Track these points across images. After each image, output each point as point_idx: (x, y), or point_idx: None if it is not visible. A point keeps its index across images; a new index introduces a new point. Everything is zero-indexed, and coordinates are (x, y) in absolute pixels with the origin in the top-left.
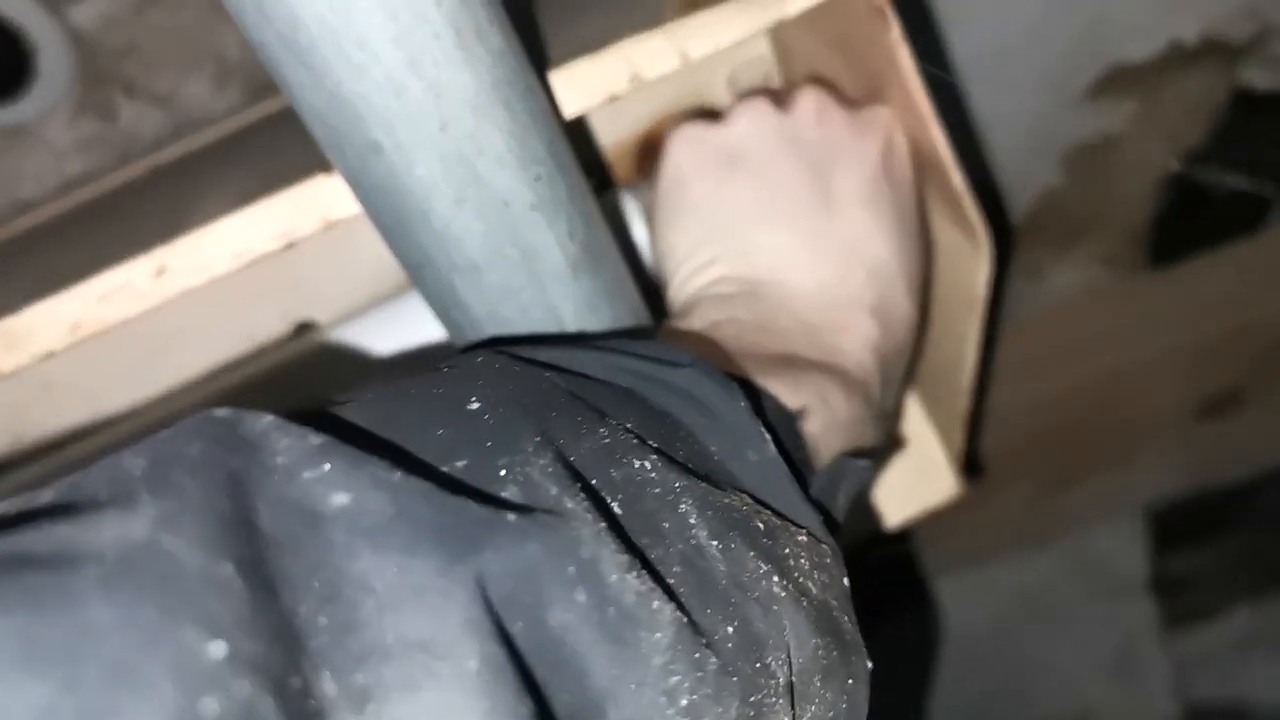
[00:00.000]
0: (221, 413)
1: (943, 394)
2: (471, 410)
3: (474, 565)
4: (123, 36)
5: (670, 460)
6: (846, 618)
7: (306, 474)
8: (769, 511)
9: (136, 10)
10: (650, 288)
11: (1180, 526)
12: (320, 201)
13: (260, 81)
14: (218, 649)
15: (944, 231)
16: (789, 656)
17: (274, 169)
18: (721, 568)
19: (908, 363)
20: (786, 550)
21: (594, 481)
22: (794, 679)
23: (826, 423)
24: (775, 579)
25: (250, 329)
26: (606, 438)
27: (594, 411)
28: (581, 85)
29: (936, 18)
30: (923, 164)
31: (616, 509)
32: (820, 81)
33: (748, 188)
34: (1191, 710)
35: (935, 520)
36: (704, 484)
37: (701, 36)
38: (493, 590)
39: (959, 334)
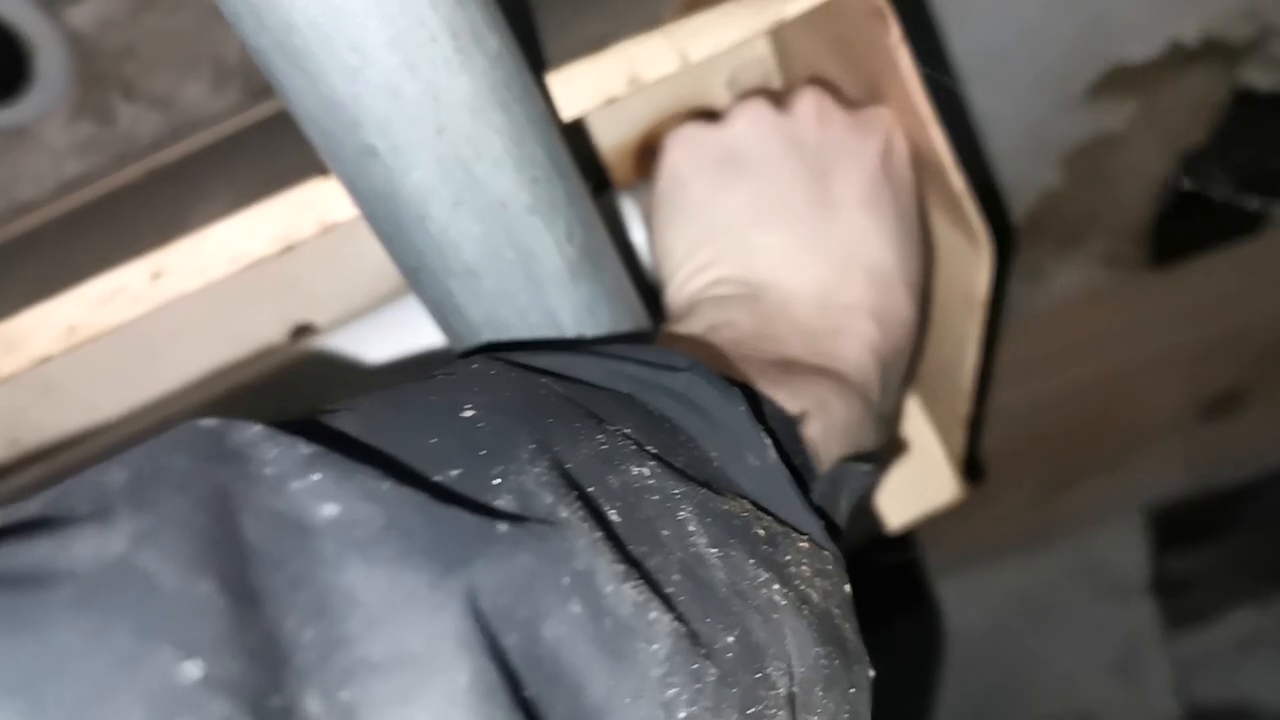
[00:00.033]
0: (208, 423)
1: (943, 396)
2: (465, 418)
3: (466, 577)
4: (120, 38)
5: (669, 466)
6: (848, 625)
7: (295, 484)
8: (770, 518)
9: (134, 12)
10: (650, 291)
11: (1181, 527)
12: (318, 205)
13: (258, 83)
14: (193, 670)
15: (944, 233)
16: (790, 666)
17: (273, 170)
18: (721, 576)
19: (907, 365)
20: (787, 557)
21: (591, 489)
22: (795, 689)
23: (826, 427)
24: (776, 587)
25: (249, 331)
26: (604, 444)
27: (591, 418)
28: (580, 87)
29: (936, 18)
30: (923, 165)
31: (614, 517)
32: (820, 82)
33: (746, 189)
34: (1193, 711)
35: (935, 521)
36: (703, 490)
37: (701, 38)
38: (485, 603)
39: (959, 336)
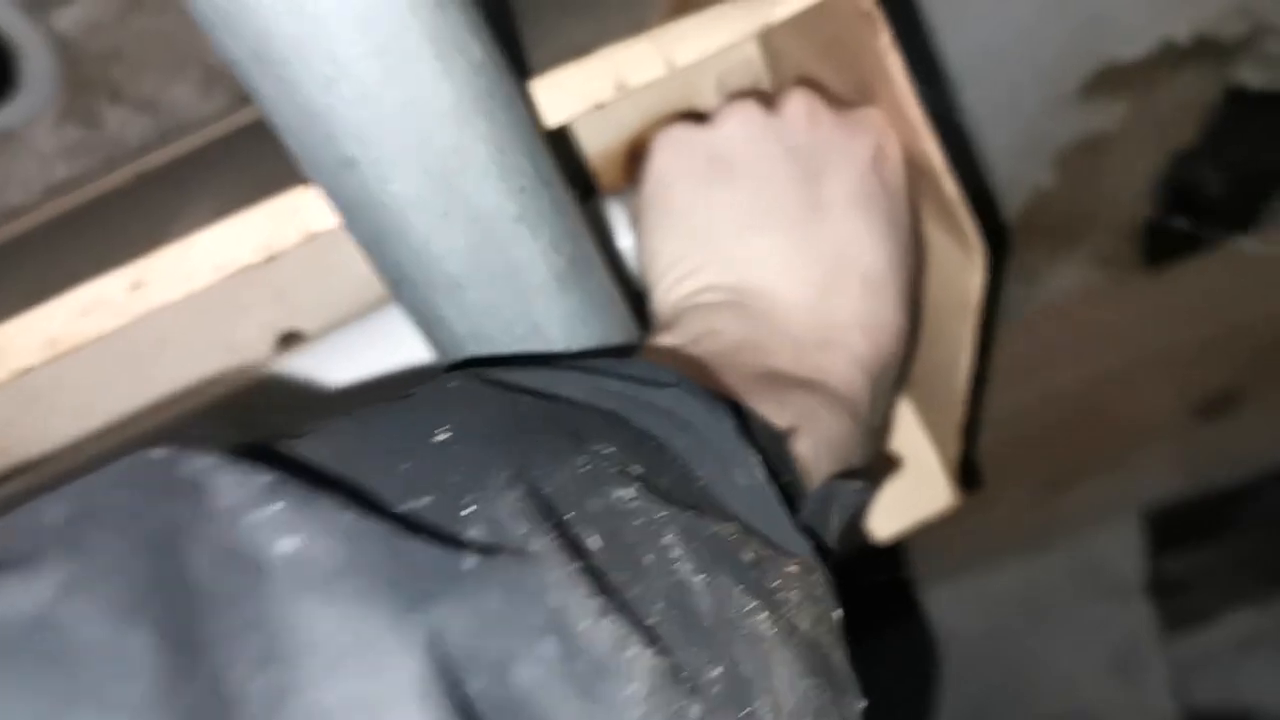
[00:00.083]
0: (157, 453)
1: (937, 402)
2: (439, 442)
3: (429, 617)
4: (107, 41)
5: (653, 489)
6: (838, 654)
7: (251, 517)
8: (758, 540)
9: (121, 15)
10: (639, 297)
11: (1178, 528)
12: (301, 214)
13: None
14: None
15: (937, 238)
16: (777, 700)
17: (261, 173)
18: (707, 604)
19: (897, 375)
20: (776, 583)
21: (570, 515)
22: None
23: (816, 443)
24: (763, 615)
25: (236, 338)
26: (585, 466)
27: (573, 439)
28: (565, 93)
29: (927, 18)
30: (915, 170)
31: (594, 543)
32: (810, 84)
33: (735, 193)
34: (1191, 713)
35: (932, 523)
36: (689, 513)
37: (688, 42)
38: (450, 644)
39: (953, 342)
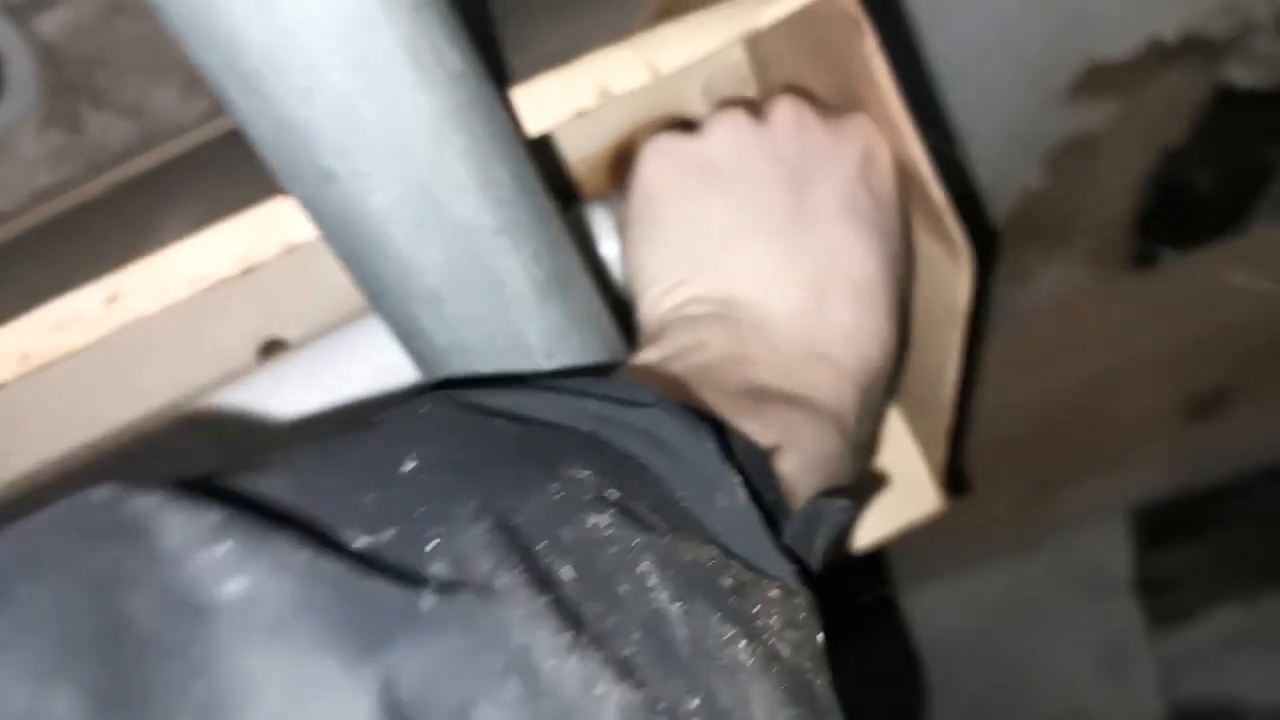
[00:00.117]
0: (100, 493)
1: (925, 408)
2: (406, 473)
3: (384, 661)
4: (90, 46)
5: (629, 514)
6: (820, 680)
7: (199, 558)
8: (738, 564)
9: (103, 20)
10: (623, 306)
11: (1166, 526)
12: (279, 225)
13: None
14: None
15: (924, 244)
16: None
17: (243, 179)
18: (684, 634)
19: (886, 389)
20: (756, 609)
21: (541, 545)
22: None
23: (801, 460)
24: (742, 644)
25: (218, 348)
26: (558, 494)
27: (546, 465)
28: (547, 101)
29: (912, 18)
30: (902, 175)
31: (567, 574)
32: (797, 90)
33: (724, 204)
34: (1179, 709)
35: (919, 526)
36: (666, 538)
37: (672, 49)
38: (405, 690)
39: (941, 347)
